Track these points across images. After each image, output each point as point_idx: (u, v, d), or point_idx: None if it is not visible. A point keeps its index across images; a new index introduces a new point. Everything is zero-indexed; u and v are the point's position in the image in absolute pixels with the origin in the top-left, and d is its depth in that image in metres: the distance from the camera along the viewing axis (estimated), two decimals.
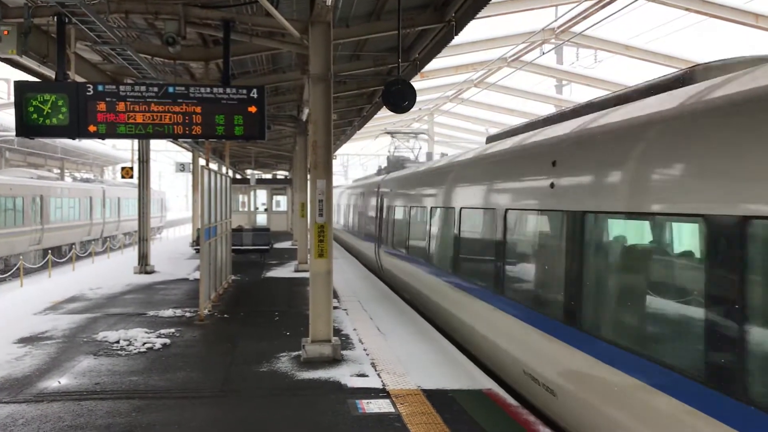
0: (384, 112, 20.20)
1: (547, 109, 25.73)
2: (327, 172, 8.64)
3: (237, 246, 19.39)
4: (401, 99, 9.25)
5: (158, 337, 9.78)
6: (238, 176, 39.85)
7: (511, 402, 6.87)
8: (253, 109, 8.40)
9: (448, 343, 9.66)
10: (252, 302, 13.36)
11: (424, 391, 7.17)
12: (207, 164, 13.33)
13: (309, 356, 8.44)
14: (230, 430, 6.06)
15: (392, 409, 6.53)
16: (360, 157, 57.48)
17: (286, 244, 27.63)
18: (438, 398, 6.91)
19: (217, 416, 6.42)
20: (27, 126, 8.05)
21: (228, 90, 8.39)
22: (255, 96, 8.42)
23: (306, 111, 16.47)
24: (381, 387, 7.31)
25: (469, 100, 23.24)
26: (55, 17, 8.53)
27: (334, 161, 9.18)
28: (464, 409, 6.58)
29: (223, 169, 24.18)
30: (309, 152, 9.00)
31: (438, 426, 6.07)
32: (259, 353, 8.87)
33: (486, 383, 7.52)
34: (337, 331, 10.02)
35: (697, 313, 4.17)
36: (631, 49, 16.00)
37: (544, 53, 16.31)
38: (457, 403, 6.75)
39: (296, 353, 8.79)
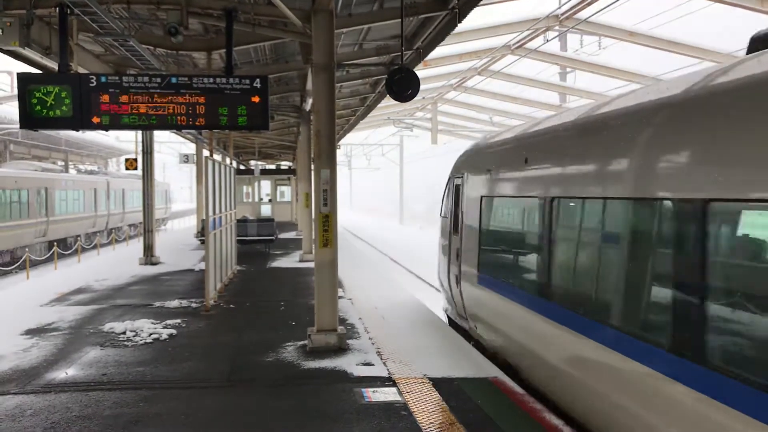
0: (387, 101, 20.14)
1: (552, 97, 25.59)
2: (331, 162, 8.63)
3: (242, 236, 19.41)
4: (405, 88, 9.20)
5: (164, 327, 9.81)
6: (242, 167, 39.84)
7: (517, 390, 6.87)
8: (256, 99, 8.37)
9: (454, 332, 9.67)
10: (257, 292, 13.39)
11: (430, 379, 7.19)
12: (211, 155, 13.34)
13: (315, 345, 8.46)
14: (237, 419, 6.08)
15: (398, 398, 6.54)
16: (363, 147, 57.38)
17: (290, 235, 27.67)
18: (444, 386, 6.92)
19: (224, 406, 6.44)
20: (31, 118, 8.04)
21: (231, 80, 8.36)
22: (258, 86, 8.39)
23: (309, 101, 16.43)
24: (387, 375, 7.33)
25: (473, 88, 23.13)
26: (57, 8, 8.50)
27: (337, 151, 9.17)
28: (470, 397, 6.59)
29: (227, 160, 24.20)
30: (312, 142, 8.98)
31: (444, 414, 6.08)
32: (265, 343, 8.90)
33: (492, 371, 7.52)
34: (343, 321, 10.04)
35: None
36: (636, 36, 15.88)
37: (548, 40, 16.19)
38: (463, 391, 6.76)
39: (302, 343, 8.81)
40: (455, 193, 10.41)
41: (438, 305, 16.51)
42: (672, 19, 16.63)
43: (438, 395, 6.62)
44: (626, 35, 15.74)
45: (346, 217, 63.20)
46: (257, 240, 20.63)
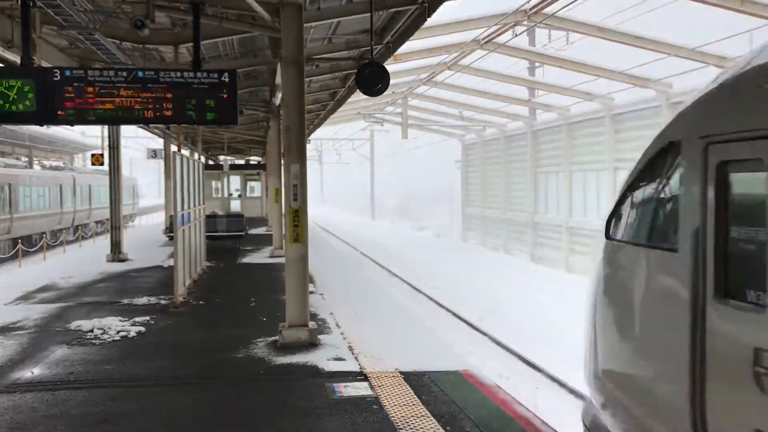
0: (358, 96, 20.10)
1: (521, 91, 25.75)
2: (300, 157, 8.58)
3: (211, 232, 19.25)
4: (374, 82, 9.20)
5: (133, 325, 9.69)
6: (210, 162, 39.47)
7: (488, 382, 6.94)
8: (224, 93, 8.26)
9: (426, 326, 9.72)
10: (227, 288, 13.29)
11: (402, 373, 7.21)
12: (179, 150, 13.19)
13: (286, 341, 8.43)
14: (207, 416, 6.04)
15: (370, 392, 6.55)
16: (334, 142, 57.21)
17: (260, 230, 27.50)
18: (416, 380, 6.94)
19: (194, 403, 6.39)
20: None
21: (199, 74, 8.23)
22: (226, 80, 8.28)
23: (279, 95, 16.32)
24: (358, 370, 7.33)
25: (443, 82, 23.20)
26: (19, 0, 8.31)
27: (307, 146, 9.14)
28: (442, 389, 6.63)
29: (195, 155, 23.95)
30: (282, 137, 8.93)
31: (416, 407, 6.11)
32: (236, 339, 8.83)
33: (463, 364, 7.58)
34: (314, 316, 10.01)
35: None
36: (603, 31, 16.06)
37: (516, 35, 16.30)
38: (434, 384, 6.80)
39: (273, 338, 8.76)
40: (715, 186, 3.39)
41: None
42: (638, 15, 16.86)
43: (409, 389, 6.64)
44: (594, 30, 15.92)
45: (317, 212, 63.05)
46: (227, 236, 20.48)
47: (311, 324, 8.76)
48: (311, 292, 10.99)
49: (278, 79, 14.03)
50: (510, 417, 5.90)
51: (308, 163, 9.06)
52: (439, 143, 41.78)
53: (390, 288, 19.04)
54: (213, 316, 10.46)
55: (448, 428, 5.54)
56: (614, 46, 16.44)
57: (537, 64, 23.99)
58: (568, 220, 23.34)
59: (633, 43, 16.05)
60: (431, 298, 18.02)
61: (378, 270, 25.05)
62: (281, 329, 8.55)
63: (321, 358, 7.82)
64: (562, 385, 9.93)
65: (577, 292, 18.43)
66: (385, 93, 10.93)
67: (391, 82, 10.45)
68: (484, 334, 13.89)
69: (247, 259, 18.07)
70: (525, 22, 15.63)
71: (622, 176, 19.84)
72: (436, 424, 5.67)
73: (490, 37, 16.99)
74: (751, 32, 13.55)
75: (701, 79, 16.41)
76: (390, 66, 14.97)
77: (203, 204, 15.35)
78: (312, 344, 8.42)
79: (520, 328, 13.86)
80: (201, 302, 11.65)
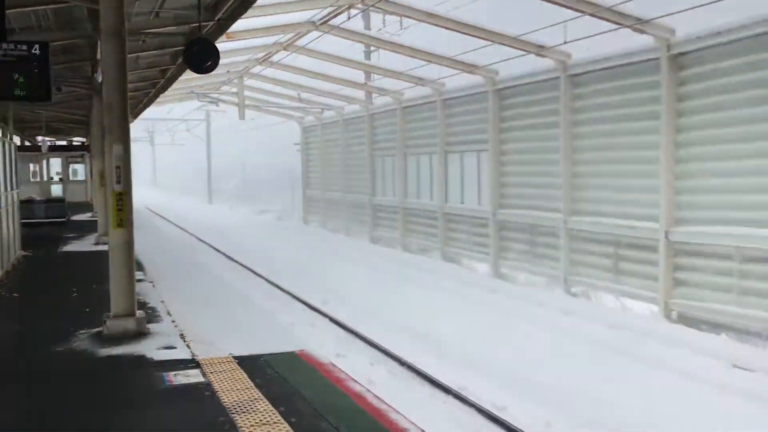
0: (191, 74, 19.30)
1: (358, 76, 26.06)
2: (124, 137, 8.10)
3: (28, 219, 17.76)
4: (203, 59, 8.92)
5: None
6: (27, 143, 36.37)
7: (324, 361, 7.01)
8: (35, 67, 7.59)
9: (265, 310, 9.62)
10: (46, 279, 12.35)
11: (236, 357, 7.10)
12: None
13: (111, 332, 7.98)
14: (19, 419, 5.57)
15: (202, 379, 6.38)
16: (167, 122, 54.71)
17: (85, 216, 25.77)
18: (250, 364, 6.86)
19: (8, 403, 5.88)
20: None
21: (5, 46, 7.48)
22: (37, 53, 7.59)
23: (101, 71, 15.30)
24: (190, 358, 7.12)
25: (279, 63, 22.87)
26: None
27: (138, 126, 8.67)
28: (277, 371, 6.61)
29: (8, 136, 21.91)
30: (104, 116, 8.39)
31: (249, 391, 6.03)
32: (55, 332, 8.23)
33: (300, 344, 7.60)
34: (143, 305, 9.55)
35: None
36: (434, 17, 16.58)
37: (350, 18, 16.41)
38: (269, 367, 6.76)
39: (97, 330, 8.26)
40: None
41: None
42: (465, 4, 17.60)
43: (243, 373, 6.55)
44: (425, 16, 16.38)
45: (149, 196, 60.19)
46: (46, 222, 19.01)
47: (139, 313, 8.35)
48: (140, 280, 10.49)
49: (99, 54, 13.13)
50: (343, 393, 6.00)
51: (140, 144, 8.59)
52: (279, 125, 41.22)
53: (227, 273, 18.66)
54: (29, 309, 9.67)
55: (281, 409, 5.53)
56: (444, 32, 17.04)
57: (372, 48, 24.36)
58: (403, 201, 24.06)
59: (461, 30, 16.70)
60: (270, 281, 17.83)
61: (214, 255, 24.38)
62: (106, 320, 8.08)
63: (150, 348, 7.50)
64: (394, 358, 10.26)
65: (411, 272, 19.07)
66: (220, 72, 10.59)
67: (227, 61, 10.16)
68: (323, 314, 13.99)
69: (69, 247, 16.87)
70: (359, 5, 15.77)
71: (453, 159, 20.67)
72: (270, 405, 5.64)
73: (325, 19, 16.97)
74: (566, 24, 14.57)
75: (523, 66, 17.51)
76: (224, 44, 14.53)
77: (17, 188, 14.10)
78: (140, 333, 8.05)
79: (358, 307, 14.12)
80: (15, 294, 10.73)
